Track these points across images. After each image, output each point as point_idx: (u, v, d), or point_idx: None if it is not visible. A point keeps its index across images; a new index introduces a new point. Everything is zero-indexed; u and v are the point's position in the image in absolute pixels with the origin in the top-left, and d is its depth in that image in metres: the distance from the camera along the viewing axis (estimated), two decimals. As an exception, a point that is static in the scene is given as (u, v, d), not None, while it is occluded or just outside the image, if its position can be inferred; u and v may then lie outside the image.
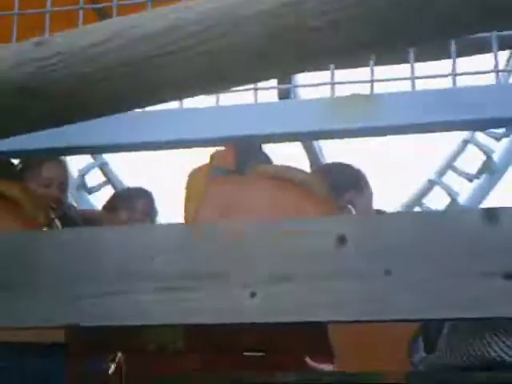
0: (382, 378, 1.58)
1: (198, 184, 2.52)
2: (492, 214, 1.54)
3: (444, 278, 1.56)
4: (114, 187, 4.87)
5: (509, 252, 1.55)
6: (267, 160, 2.74)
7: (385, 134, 1.86)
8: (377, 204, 2.96)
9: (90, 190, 4.85)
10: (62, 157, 3.03)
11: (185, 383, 1.64)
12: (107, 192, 4.59)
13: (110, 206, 3.21)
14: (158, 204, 3.38)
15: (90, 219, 3.04)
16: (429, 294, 1.56)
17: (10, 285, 1.75)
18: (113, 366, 2.04)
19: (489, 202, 4.80)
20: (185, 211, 2.47)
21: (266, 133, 1.86)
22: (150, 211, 3.25)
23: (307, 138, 2.53)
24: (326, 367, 1.95)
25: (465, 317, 1.57)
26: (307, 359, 1.92)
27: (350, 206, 2.70)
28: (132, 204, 3.17)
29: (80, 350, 2.00)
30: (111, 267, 1.70)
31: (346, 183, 2.78)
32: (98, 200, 4.65)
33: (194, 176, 2.57)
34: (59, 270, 1.73)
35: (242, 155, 2.57)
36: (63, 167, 3.09)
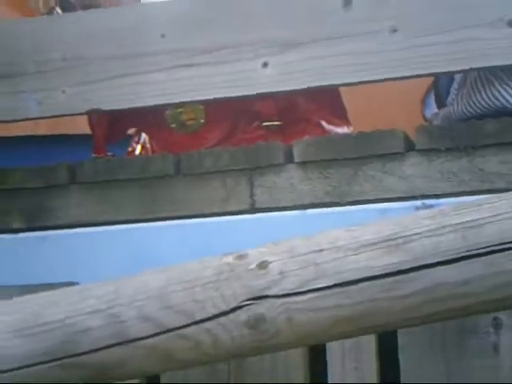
0: (398, 133, 1.63)
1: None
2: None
3: (452, 31, 1.58)
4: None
5: None
6: None
7: None
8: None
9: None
10: None
11: (209, 156, 1.70)
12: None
13: None
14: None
15: (88, 3, 2.97)
16: (438, 48, 1.58)
17: (18, 74, 1.78)
18: (138, 147, 2.11)
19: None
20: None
21: None
22: None
23: None
24: (343, 130, 2.01)
25: (474, 67, 1.60)
26: (323, 123, 1.98)
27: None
28: None
29: (104, 136, 2.06)
30: (123, 48, 1.73)
31: None
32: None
33: None
34: (71, 57, 1.76)
35: None
36: None
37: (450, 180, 1.55)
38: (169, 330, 1.04)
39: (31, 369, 1.06)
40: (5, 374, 1.06)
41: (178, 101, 1.77)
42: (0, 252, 1.76)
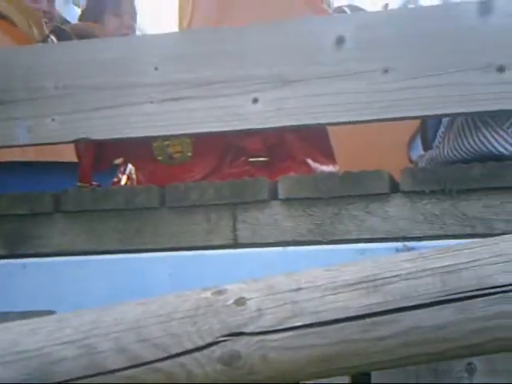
0: (384, 174, 1.63)
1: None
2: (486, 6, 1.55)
3: (443, 74, 1.59)
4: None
5: (503, 46, 1.57)
6: None
7: None
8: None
9: (78, 3, 4.70)
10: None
11: (194, 189, 1.70)
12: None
13: (91, 14, 3.05)
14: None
15: (84, 33, 2.98)
16: (428, 90, 1.60)
17: (10, 101, 1.79)
18: (124, 178, 2.11)
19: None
20: (179, 12, 2.43)
21: None
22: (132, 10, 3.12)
23: None
24: (329, 169, 2.01)
25: (464, 111, 1.61)
26: (309, 161, 1.98)
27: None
28: (116, 5, 3.02)
29: (90, 165, 2.06)
30: (114, 79, 1.73)
31: None
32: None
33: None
34: (63, 86, 1.76)
35: None
36: None
37: (432, 223, 1.56)
38: (144, 363, 1.04)
39: (5, 397, 1.05)
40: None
41: (166, 133, 1.78)
42: (-20, 278, 1.75)
